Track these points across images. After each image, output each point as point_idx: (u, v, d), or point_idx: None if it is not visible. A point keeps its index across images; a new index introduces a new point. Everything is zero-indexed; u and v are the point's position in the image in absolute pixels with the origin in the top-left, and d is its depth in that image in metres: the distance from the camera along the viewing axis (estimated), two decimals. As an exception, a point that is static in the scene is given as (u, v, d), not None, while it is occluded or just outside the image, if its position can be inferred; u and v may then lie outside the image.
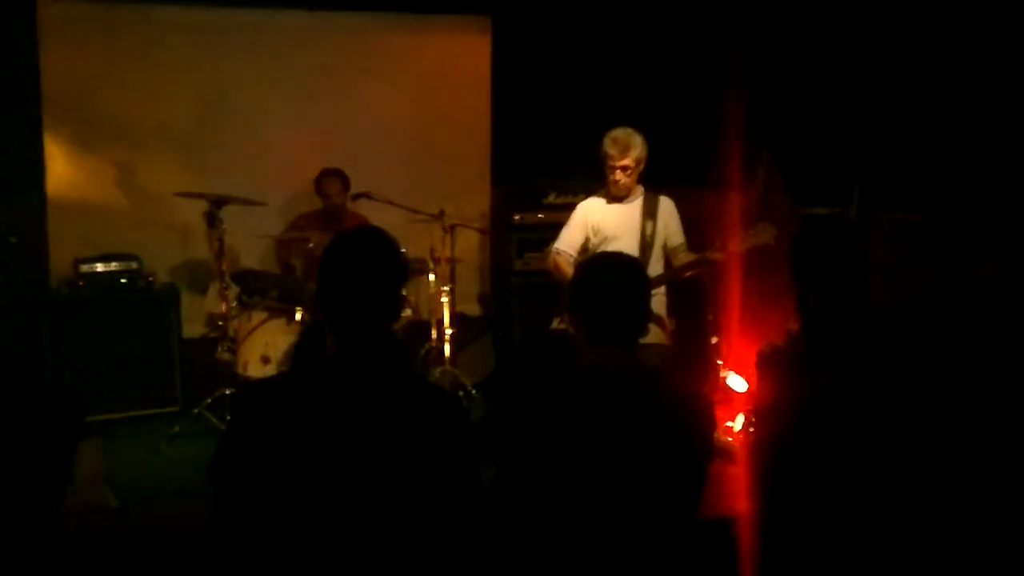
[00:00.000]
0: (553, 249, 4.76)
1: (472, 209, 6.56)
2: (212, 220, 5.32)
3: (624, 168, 4.48)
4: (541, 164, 6.47)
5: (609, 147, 4.47)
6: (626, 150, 4.45)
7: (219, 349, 5.35)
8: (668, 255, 4.62)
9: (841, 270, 2.48)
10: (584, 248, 4.67)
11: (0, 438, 1.86)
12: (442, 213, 5.81)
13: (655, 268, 4.57)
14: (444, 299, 5.74)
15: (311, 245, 5.46)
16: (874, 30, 5.08)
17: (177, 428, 5.21)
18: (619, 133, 4.49)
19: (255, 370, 5.11)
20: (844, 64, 5.25)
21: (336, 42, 6.35)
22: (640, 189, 4.62)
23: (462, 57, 6.67)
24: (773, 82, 5.60)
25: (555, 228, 5.40)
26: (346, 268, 2.09)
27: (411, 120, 6.52)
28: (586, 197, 4.77)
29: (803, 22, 5.49)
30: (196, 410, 5.27)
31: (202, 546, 3.63)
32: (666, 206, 4.62)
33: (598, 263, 2.49)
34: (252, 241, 5.83)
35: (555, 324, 4.92)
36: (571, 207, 4.83)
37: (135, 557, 3.68)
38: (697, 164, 5.43)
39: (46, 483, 1.94)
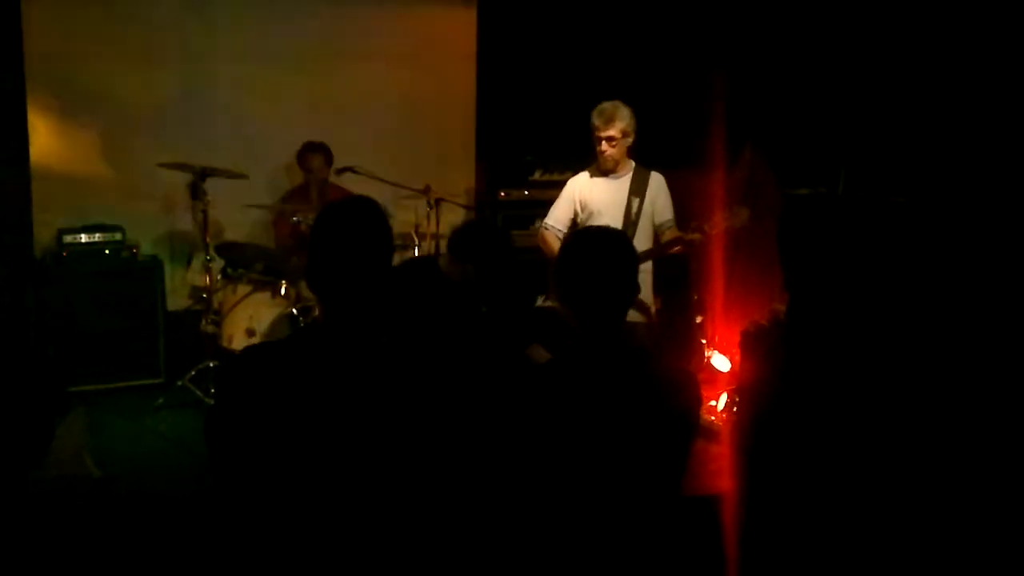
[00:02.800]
0: (542, 225, 4.77)
1: (457, 185, 6.55)
2: (196, 192, 5.30)
3: (609, 139, 4.48)
4: (527, 141, 6.47)
5: (595, 118, 4.49)
6: (611, 120, 4.45)
7: (203, 322, 5.34)
8: (656, 231, 4.63)
9: (827, 249, 2.49)
10: (573, 224, 4.68)
11: None
12: (427, 188, 5.79)
13: (640, 245, 4.57)
14: (429, 275, 5.73)
15: (295, 219, 5.44)
16: (860, 12, 5.09)
17: (161, 400, 5.21)
18: (606, 104, 4.50)
19: (240, 343, 5.10)
20: (831, 44, 5.26)
21: (322, 16, 6.29)
22: (630, 164, 4.62)
23: (448, 32, 6.64)
24: (759, 64, 5.61)
25: (541, 205, 5.40)
26: (336, 237, 2.08)
27: (396, 95, 6.49)
28: (572, 175, 4.77)
29: (791, 5, 5.49)
30: (180, 382, 5.26)
31: (183, 516, 3.65)
32: (656, 182, 4.62)
33: (584, 239, 2.48)
34: (236, 213, 5.80)
35: (540, 301, 4.94)
36: (557, 184, 4.84)
37: (117, 527, 3.68)
38: (683, 144, 5.44)
39: (24, 452, 1.94)
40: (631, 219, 4.56)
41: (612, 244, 2.36)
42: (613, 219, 4.48)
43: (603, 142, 4.49)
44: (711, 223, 4.35)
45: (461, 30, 6.65)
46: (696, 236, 4.37)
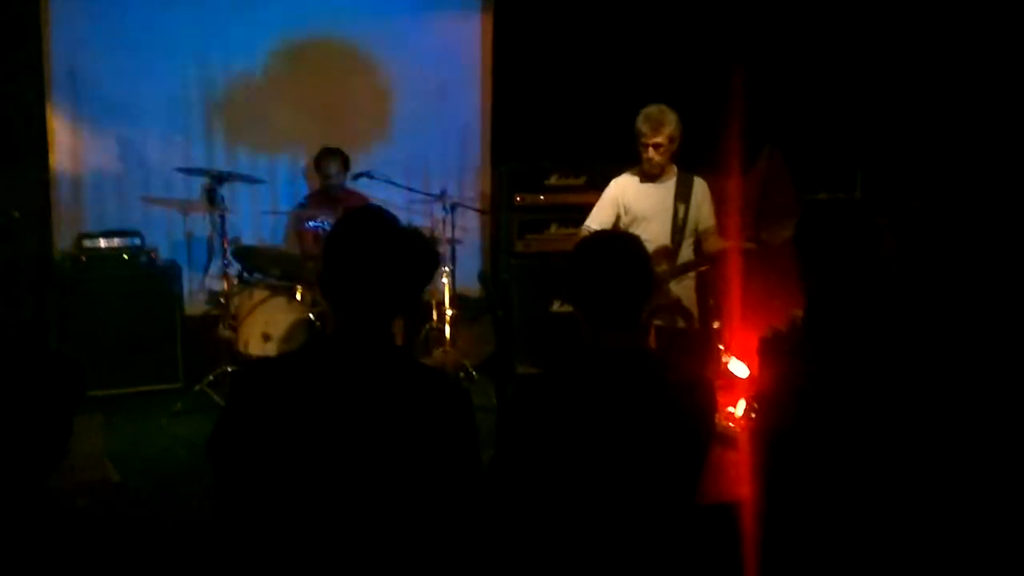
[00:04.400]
0: (584, 227, 4.71)
1: (472, 190, 6.56)
2: (213, 197, 5.32)
3: (657, 146, 4.42)
4: (543, 146, 6.46)
5: (641, 124, 4.42)
6: (659, 127, 4.40)
7: (220, 326, 5.35)
8: (699, 237, 4.59)
9: (846, 254, 2.47)
10: (615, 227, 4.63)
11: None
12: (443, 193, 5.80)
13: (686, 251, 4.56)
14: (444, 280, 5.74)
15: (311, 224, 5.46)
16: (874, 16, 5.07)
17: (179, 405, 5.22)
18: (652, 110, 4.43)
19: (256, 348, 5.12)
20: (849, 47, 5.24)
21: (340, 22, 6.31)
22: (674, 169, 4.56)
23: (464, 37, 6.63)
24: (777, 67, 5.59)
25: (556, 210, 5.40)
26: (350, 247, 2.06)
27: (412, 99, 6.49)
28: (588, 179, 4.74)
29: (806, 8, 5.47)
30: (198, 387, 5.28)
31: (201, 522, 3.65)
32: (700, 187, 4.58)
33: (595, 244, 2.46)
34: (254, 218, 5.83)
35: (555, 306, 4.93)
36: (573, 189, 4.81)
37: (135, 532, 3.70)
38: (700, 149, 5.42)
39: (44, 453, 1.94)
40: (678, 225, 4.50)
41: (624, 247, 2.34)
42: (661, 225, 4.45)
43: (650, 148, 4.43)
44: (770, 232, 4.31)
45: (477, 35, 6.65)
46: (752, 246, 4.33)
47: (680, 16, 6.26)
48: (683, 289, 4.57)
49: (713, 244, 4.56)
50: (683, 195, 4.52)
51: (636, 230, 4.39)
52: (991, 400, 2.60)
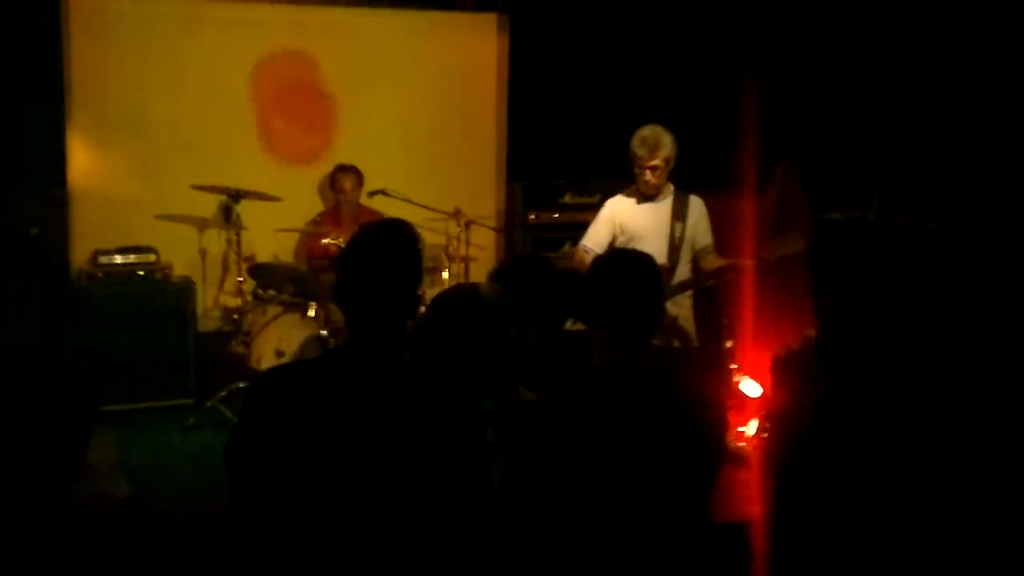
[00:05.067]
0: (580, 246, 4.70)
1: (487, 208, 6.57)
2: (228, 214, 5.35)
3: (654, 168, 4.40)
4: (557, 164, 6.47)
5: (638, 147, 4.40)
6: (655, 149, 4.38)
7: (233, 343, 5.38)
8: (696, 256, 4.59)
9: (859, 273, 2.47)
10: (611, 246, 4.63)
11: (15, 417, 1.87)
12: (457, 211, 5.82)
13: (683, 270, 4.54)
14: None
15: (326, 241, 5.48)
16: (893, 33, 5.06)
17: (192, 420, 5.24)
18: (647, 133, 4.41)
19: (269, 364, 5.13)
20: (864, 67, 5.23)
21: (353, 39, 6.36)
22: (670, 188, 4.55)
23: (478, 54, 6.67)
24: (793, 84, 5.58)
25: (570, 228, 5.41)
26: (366, 259, 2.09)
27: (427, 117, 6.53)
28: (602, 197, 4.73)
29: (824, 23, 5.47)
30: (210, 403, 5.30)
31: (213, 536, 3.65)
32: (696, 206, 4.56)
33: (611, 262, 2.47)
34: (268, 235, 5.85)
35: (568, 324, 4.91)
36: (587, 207, 4.81)
37: (147, 545, 3.70)
38: (715, 168, 5.41)
39: (62, 465, 1.95)
40: (675, 244, 4.48)
41: (639, 265, 2.35)
42: (657, 244, 4.41)
43: (647, 171, 4.41)
44: (768, 249, 4.28)
45: (492, 53, 6.68)
46: (748, 263, 4.31)
47: (695, 34, 6.27)
48: (680, 309, 4.54)
49: (711, 263, 4.54)
50: (679, 214, 4.51)
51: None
52: (1007, 421, 2.57)
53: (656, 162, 4.40)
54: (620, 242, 4.58)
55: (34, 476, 1.89)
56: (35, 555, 1.83)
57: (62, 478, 1.97)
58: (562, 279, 3.80)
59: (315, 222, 5.96)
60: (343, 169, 5.92)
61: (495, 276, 3.55)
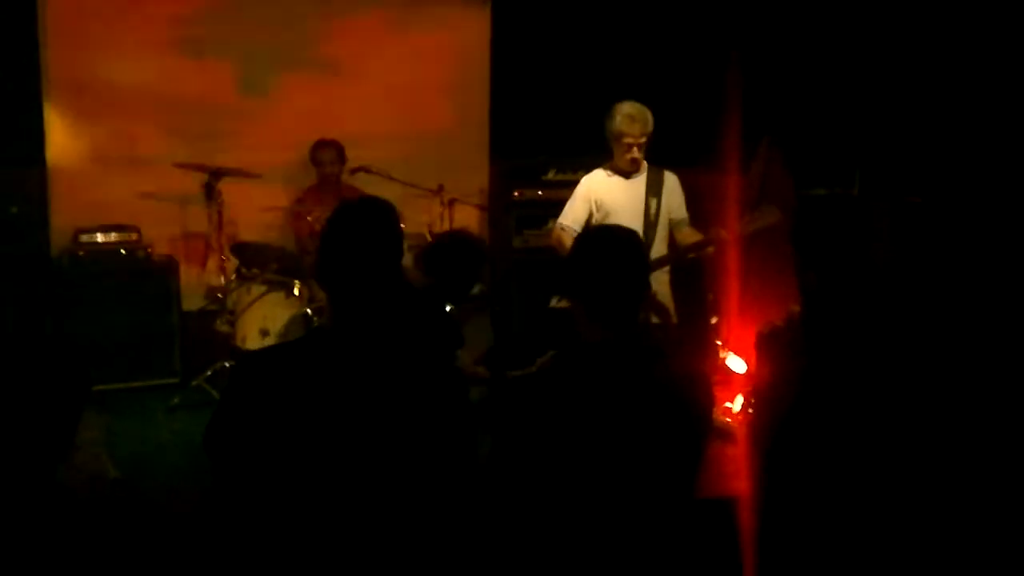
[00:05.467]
0: (557, 224, 4.72)
1: (470, 185, 6.55)
2: (211, 192, 5.32)
3: (640, 145, 4.44)
4: (541, 141, 6.45)
5: (625, 124, 4.40)
6: (644, 125, 4.41)
7: (218, 322, 5.36)
8: (672, 229, 4.61)
9: (842, 249, 2.48)
10: (588, 223, 4.64)
11: (5, 397, 1.87)
12: (441, 188, 5.80)
13: (659, 247, 4.55)
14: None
15: (310, 219, 5.46)
16: (876, 12, 5.07)
17: (176, 400, 5.23)
18: (633, 110, 4.42)
19: (253, 343, 5.13)
20: (848, 42, 5.24)
21: (337, 16, 6.31)
22: (644, 164, 4.59)
23: (462, 31, 6.63)
24: (775, 63, 5.58)
25: (554, 205, 5.38)
26: (347, 236, 2.09)
27: (410, 94, 6.49)
28: (586, 173, 4.73)
29: (808, 2, 5.47)
30: (195, 382, 5.29)
31: (198, 516, 3.65)
32: (671, 182, 4.59)
33: (596, 238, 2.47)
34: (251, 213, 5.82)
35: (554, 302, 4.92)
36: (571, 184, 4.80)
37: (133, 526, 3.70)
38: (697, 144, 5.42)
39: (51, 446, 1.95)
40: (650, 220, 4.51)
41: (624, 241, 2.35)
42: (631, 219, 4.41)
43: (635, 148, 4.44)
44: (743, 222, 4.30)
45: (475, 29, 6.64)
46: (724, 236, 4.32)
47: (678, 11, 6.25)
48: (659, 285, 4.56)
49: (687, 236, 4.56)
50: (654, 189, 4.53)
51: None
52: (989, 396, 2.60)
53: (644, 138, 4.41)
54: (596, 219, 4.59)
55: (23, 457, 1.89)
56: (24, 536, 1.83)
57: (51, 459, 1.96)
58: (482, 255, 3.94)
59: (298, 200, 5.93)
60: (323, 143, 5.88)
61: (418, 259, 3.66)
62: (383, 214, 2.15)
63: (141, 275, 5.63)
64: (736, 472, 3.45)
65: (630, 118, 4.41)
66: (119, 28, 5.81)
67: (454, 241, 4.04)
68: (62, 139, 5.75)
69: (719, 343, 5.61)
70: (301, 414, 1.96)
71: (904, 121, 4.94)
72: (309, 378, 1.99)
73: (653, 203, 4.53)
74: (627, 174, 4.55)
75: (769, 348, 2.52)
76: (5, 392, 1.86)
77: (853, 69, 5.21)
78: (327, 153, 5.85)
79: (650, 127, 4.43)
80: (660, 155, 4.67)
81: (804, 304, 2.46)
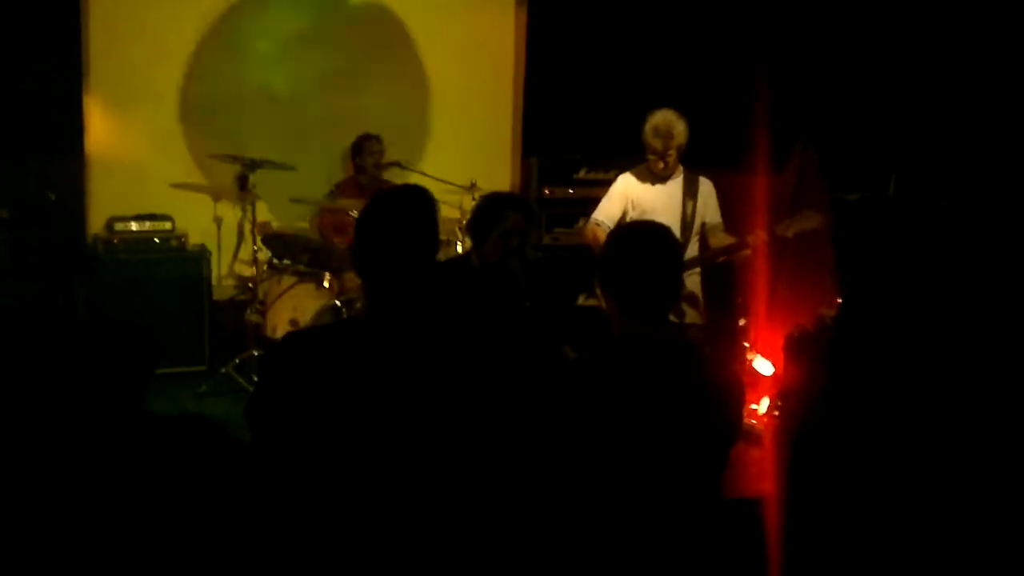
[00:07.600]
0: (591, 220, 4.70)
1: (502, 182, 6.56)
2: (244, 183, 5.36)
3: (668, 156, 4.44)
4: (573, 139, 6.45)
5: (651, 138, 4.40)
6: (669, 139, 4.38)
7: (248, 311, 5.40)
8: (705, 232, 4.60)
9: (877, 254, 2.46)
10: (623, 221, 4.63)
11: (77, 375, 1.90)
12: (473, 185, 5.81)
13: (693, 248, 4.56)
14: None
15: (354, 214, 5.47)
16: (910, 14, 5.02)
17: (204, 387, 5.28)
18: (659, 122, 4.40)
19: (283, 333, 5.14)
20: (882, 46, 5.19)
21: (373, 10, 6.33)
22: (680, 168, 4.57)
23: (497, 29, 6.64)
24: (810, 66, 5.55)
25: (585, 204, 5.39)
26: (383, 224, 2.09)
27: (444, 90, 6.51)
28: (617, 174, 4.73)
29: (842, 4, 5.43)
30: (223, 370, 5.33)
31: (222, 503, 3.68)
32: (706, 187, 4.58)
33: (630, 234, 2.43)
34: (284, 205, 5.86)
35: (581, 300, 4.92)
36: (602, 183, 4.80)
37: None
38: (732, 147, 5.39)
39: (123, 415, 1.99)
40: (687, 221, 4.51)
41: (659, 237, 2.33)
42: (668, 219, 4.37)
43: (660, 161, 4.43)
44: (783, 225, 4.27)
45: (510, 27, 6.65)
46: (761, 239, 4.30)
47: (713, 13, 6.22)
48: (689, 284, 4.58)
49: (720, 240, 4.56)
50: (690, 192, 4.53)
51: None
52: (1020, 403, 2.57)
53: (670, 152, 4.40)
54: (631, 217, 4.58)
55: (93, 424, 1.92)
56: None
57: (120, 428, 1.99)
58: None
59: (331, 193, 5.96)
60: (370, 137, 5.90)
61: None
62: (421, 201, 2.15)
63: (173, 263, 5.69)
64: (762, 473, 3.44)
65: (654, 130, 4.40)
66: (156, 20, 5.87)
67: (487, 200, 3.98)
68: (100, 129, 5.82)
69: (747, 345, 5.58)
70: (337, 396, 1.98)
71: (939, 125, 4.88)
72: (344, 362, 2.01)
73: (689, 205, 4.52)
74: (663, 178, 4.55)
75: (799, 351, 2.51)
76: (80, 366, 1.89)
77: (888, 73, 5.16)
78: (375, 145, 5.87)
79: (677, 139, 4.39)
80: (693, 157, 4.65)
81: (840, 307, 2.44)
